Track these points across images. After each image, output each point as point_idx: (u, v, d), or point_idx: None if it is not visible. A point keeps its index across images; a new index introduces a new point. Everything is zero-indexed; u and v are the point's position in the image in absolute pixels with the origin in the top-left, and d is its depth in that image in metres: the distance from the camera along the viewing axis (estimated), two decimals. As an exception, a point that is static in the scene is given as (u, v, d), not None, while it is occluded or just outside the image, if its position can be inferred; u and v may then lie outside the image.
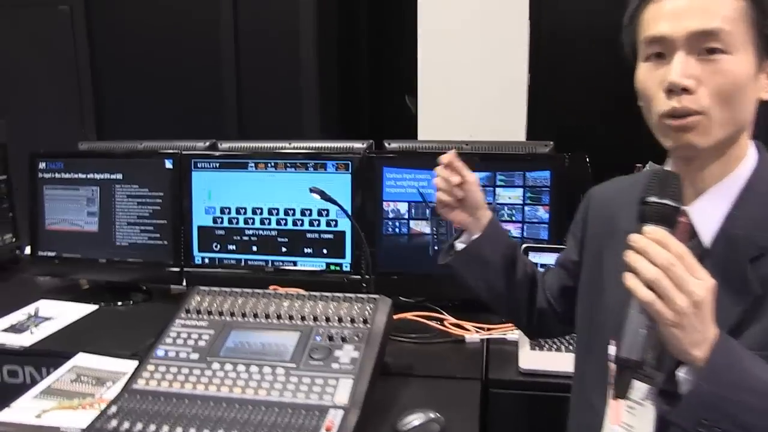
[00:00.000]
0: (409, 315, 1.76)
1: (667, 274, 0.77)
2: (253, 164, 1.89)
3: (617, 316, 0.87)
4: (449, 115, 3.58)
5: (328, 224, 1.87)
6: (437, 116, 3.61)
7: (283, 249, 1.90)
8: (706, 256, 0.89)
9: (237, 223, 1.92)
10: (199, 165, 1.92)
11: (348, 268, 1.87)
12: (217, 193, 1.92)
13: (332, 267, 1.88)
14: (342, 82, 4.12)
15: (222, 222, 1.93)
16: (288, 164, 1.87)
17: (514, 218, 1.80)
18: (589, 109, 5.00)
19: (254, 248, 1.92)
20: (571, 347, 1.61)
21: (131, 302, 2.00)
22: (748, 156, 0.94)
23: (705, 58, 0.87)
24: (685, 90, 0.87)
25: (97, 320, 1.89)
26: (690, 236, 0.92)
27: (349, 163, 1.84)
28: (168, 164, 1.93)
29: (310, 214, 1.88)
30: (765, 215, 0.89)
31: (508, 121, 3.64)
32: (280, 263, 1.91)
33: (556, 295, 1.27)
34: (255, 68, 3.84)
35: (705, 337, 0.79)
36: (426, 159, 1.85)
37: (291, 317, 1.48)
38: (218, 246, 1.94)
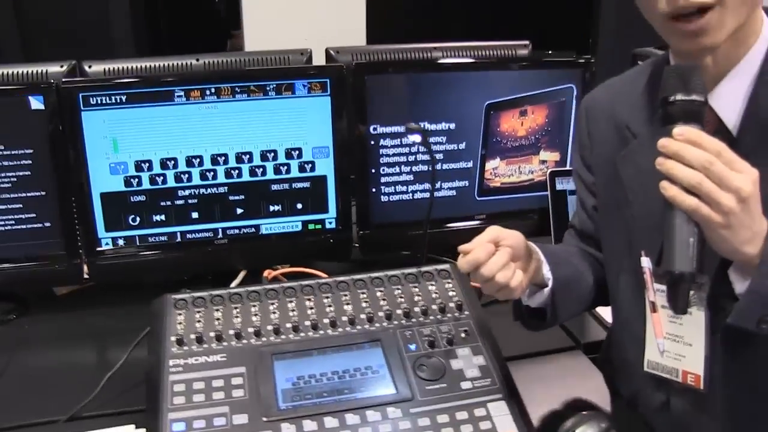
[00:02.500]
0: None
1: (708, 175, 0.71)
2: (181, 92, 1.25)
3: (647, 227, 0.86)
4: (278, 16, 3.12)
5: (302, 168, 1.34)
6: (264, 19, 3.12)
7: (239, 210, 1.34)
8: (735, 145, 0.78)
9: (164, 182, 1.29)
10: (92, 101, 1.22)
11: (333, 225, 1.39)
12: (128, 142, 1.26)
13: (311, 226, 1.38)
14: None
15: (140, 183, 1.28)
16: (238, 89, 1.28)
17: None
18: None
19: (195, 215, 1.32)
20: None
21: (-5, 321, 1.29)
22: (764, 29, 0.83)
23: None
24: None
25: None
26: (715, 125, 0.83)
27: (327, 81, 1.31)
28: (36, 103, 1.20)
29: (275, 158, 1.33)
30: None
31: (345, 22, 3.30)
32: (236, 231, 1.35)
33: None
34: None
35: (755, 232, 0.73)
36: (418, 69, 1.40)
37: (353, 322, 1.01)
38: (137, 219, 1.30)
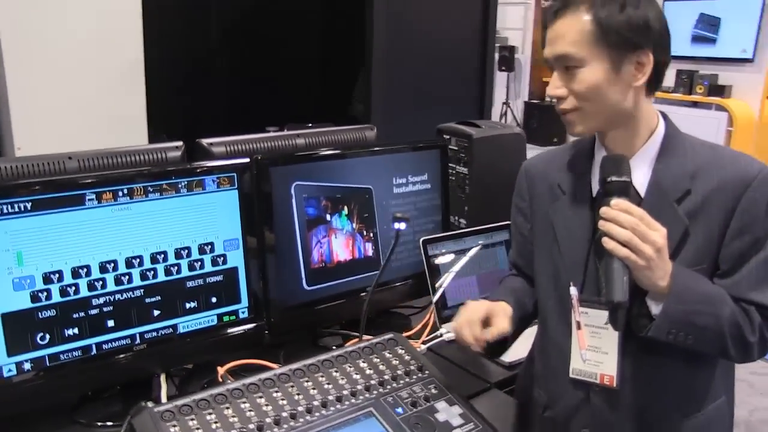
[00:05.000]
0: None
1: (635, 233, 1.00)
2: (93, 195, 1.19)
3: (571, 262, 1.17)
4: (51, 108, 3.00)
5: (214, 262, 1.35)
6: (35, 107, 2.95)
7: (156, 312, 1.29)
8: (643, 203, 1.11)
9: (77, 292, 1.19)
10: (-9, 211, 1.10)
11: (246, 314, 1.41)
12: (34, 253, 1.14)
13: (226, 318, 1.38)
14: None
15: (49, 297, 1.16)
16: (150, 188, 1.26)
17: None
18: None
19: (110, 323, 1.24)
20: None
21: None
22: (659, 125, 1.17)
23: (566, 72, 1.11)
24: (560, 98, 1.12)
25: None
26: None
27: (234, 175, 1.36)
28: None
29: (189, 254, 1.32)
30: (679, 166, 1.13)
31: (126, 108, 3.28)
32: (154, 334, 1.29)
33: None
34: None
35: (666, 271, 1.03)
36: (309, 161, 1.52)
37: (340, 399, 1.08)
38: (46, 337, 1.17)
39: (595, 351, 1.15)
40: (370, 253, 1.60)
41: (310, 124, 3.32)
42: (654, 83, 1.13)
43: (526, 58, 8.53)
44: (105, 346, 1.24)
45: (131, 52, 3.25)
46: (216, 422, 0.99)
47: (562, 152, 1.29)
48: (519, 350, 1.50)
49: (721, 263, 1.11)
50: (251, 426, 0.99)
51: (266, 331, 1.44)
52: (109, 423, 1.24)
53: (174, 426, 0.97)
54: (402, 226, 1.35)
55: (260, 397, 1.05)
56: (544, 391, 1.29)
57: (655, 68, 1.10)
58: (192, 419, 0.98)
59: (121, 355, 1.26)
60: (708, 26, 6.57)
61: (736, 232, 1.09)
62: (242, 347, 1.42)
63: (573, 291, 1.16)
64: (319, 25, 5.38)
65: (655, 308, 1.06)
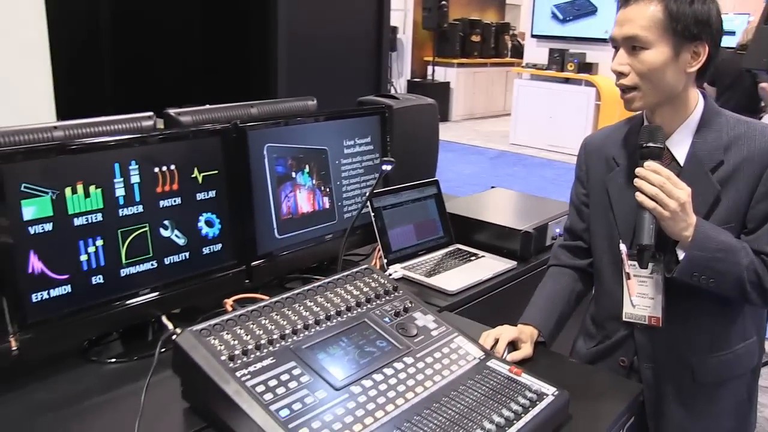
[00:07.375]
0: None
1: (662, 189, 1.23)
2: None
3: (624, 224, 1.38)
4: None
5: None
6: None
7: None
8: (682, 171, 1.32)
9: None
10: None
11: (230, 262, 1.60)
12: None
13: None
14: None
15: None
16: (149, 150, 1.41)
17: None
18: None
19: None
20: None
21: None
22: (698, 103, 1.36)
23: (632, 52, 1.29)
24: (621, 74, 1.31)
25: None
26: (670, 160, 1.35)
27: (218, 138, 1.54)
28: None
29: (182, 209, 1.49)
30: (715, 139, 1.33)
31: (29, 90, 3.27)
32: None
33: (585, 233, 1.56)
34: None
35: (689, 223, 1.25)
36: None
37: (339, 314, 1.33)
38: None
39: (642, 297, 1.36)
40: (327, 205, 1.83)
41: (207, 105, 3.43)
42: (702, 72, 1.30)
43: (407, 38, 8.94)
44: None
45: (33, 33, 3.21)
46: (248, 334, 1.19)
47: (617, 129, 1.48)
48: (464, 279, 1.82)
49: (747, 223, 1.30)
50: (275, 336, 1.21)
51: (247, 280, 1.64)
52: (113, 360, 1.42)
53: (214, 340, 1.16)
54: (387, 167, 1.59)
55: (276, 314, 1.26)
56: (600, 330, 1.53)
57: (706, 59, 1.28)
58: (226, 333, 1.18)
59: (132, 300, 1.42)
60: (573, 8, 7.29)
61: (762, 196, 1.28)
62: (226, 291, 1.61)
63: (623, 247, 1.37)
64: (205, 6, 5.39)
65: (680, 254, 1.27)
